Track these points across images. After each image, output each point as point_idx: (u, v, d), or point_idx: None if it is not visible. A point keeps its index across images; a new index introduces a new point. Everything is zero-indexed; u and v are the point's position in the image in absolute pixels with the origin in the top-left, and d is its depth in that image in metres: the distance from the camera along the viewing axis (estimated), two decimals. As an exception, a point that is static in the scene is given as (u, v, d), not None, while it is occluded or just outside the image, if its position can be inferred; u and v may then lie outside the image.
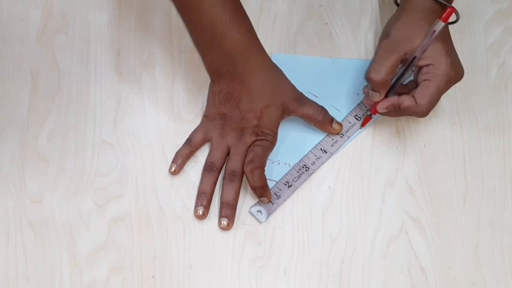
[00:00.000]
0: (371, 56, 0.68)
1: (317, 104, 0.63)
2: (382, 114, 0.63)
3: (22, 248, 0.59)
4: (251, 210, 0.60)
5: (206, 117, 0.63)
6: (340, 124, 0.63)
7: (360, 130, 0.64)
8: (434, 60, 0.59)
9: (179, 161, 0.62)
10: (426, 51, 0.59)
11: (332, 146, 0.63)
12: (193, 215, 0.60)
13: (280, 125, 0.63)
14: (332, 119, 0.63)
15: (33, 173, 0.62)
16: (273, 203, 0.60)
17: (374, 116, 0.63)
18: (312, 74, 0.66)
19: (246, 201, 0.61)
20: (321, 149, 0.63)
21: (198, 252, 0.59)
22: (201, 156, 0.63)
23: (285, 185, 0.61)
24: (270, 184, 0.61)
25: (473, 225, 0.60)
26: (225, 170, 0.61)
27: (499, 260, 0.59)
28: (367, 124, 0.64)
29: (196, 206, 0.60)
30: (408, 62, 0.59)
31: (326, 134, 0.64)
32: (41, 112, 0.64)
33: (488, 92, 0.66)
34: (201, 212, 0.60)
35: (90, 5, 0.70)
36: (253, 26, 0.65)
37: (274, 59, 0.64)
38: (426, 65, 0.59)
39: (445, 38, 0.60)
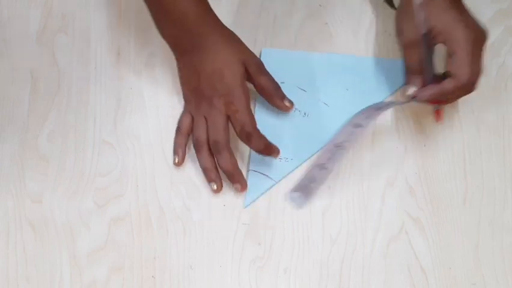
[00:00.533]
0: (371, 55, 0.68)
1: (272, 78, 0.63)
2: (434, 103, 0.62)
3: (22, 248, 0.59)
4: (291, 195, 0.61)
5: (184, 99, 0.64)
6: (291, 102, 0.63)
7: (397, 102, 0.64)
8: (447, 33, 0.58)
9: (180, 151, 0.62)
10: (437, 28, 0.58)
11: (366, 118, 0.62)
12: (193, 215, 0.60)
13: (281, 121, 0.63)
14: (284, 96, 0.63)
15: (33, 173, 0.62)
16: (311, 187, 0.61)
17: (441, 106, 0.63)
18: (301, 68, 0.66)
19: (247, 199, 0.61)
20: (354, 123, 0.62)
21: (198, 252, 0.59)
22: (201, 156, 0.63)
23: (318, 167, 0.61)
24: (270, 183, 0.61)
25: (473, 225, 0.60)
26: (209, 144, 0.61)
27: (499, 260, 0.59)
28: (441, 116, 0.63)
29: (208, 182, 0.61)
30: (425, 42, 0.59)
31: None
32: (41, 112, 0.64)
33: (488, 92, 0.66)
34: (215, 187, 0.61)
35: (90, 5, 0.70)
36: (253, 26, 0.65)
37: (264, 54, 0.65)
38: (445, 42, 0.59)
39: (451, 5, 0.59)
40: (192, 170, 0.62)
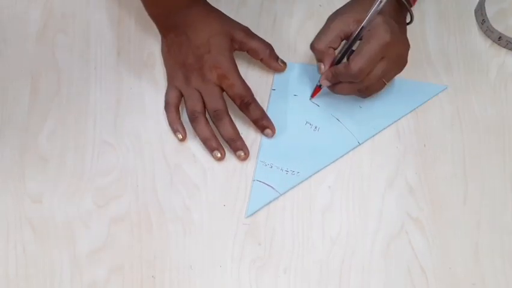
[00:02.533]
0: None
1: (264, 40, 0.65)
2: (330, 89, 0.63)
3: (22, 248, 0.59)
4: None
5: (169, 75, 0.65)
6: (284, 62, 0.66)
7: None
8: (371, 27, 0.58)
9: (178, 127, 0.63)
10: (368, 27, 0.58)
11: None
12: (193, 215, 0.60)
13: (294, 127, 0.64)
14: (277, 57, 0.65)
15: (33, 173, 0.62)
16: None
17: (323, 88, 0.64)
18: (315, 82, 0.65)
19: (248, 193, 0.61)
20: None
21: (198, 252, 0.59)
22: (200, 154, 0.63)
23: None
24: (274, 195, 0.61)
25: (473, 225, 0.60)
26: (209, 114, 0.63)
27: (499, 260, 0.59)
28: (316, 95, 0.64)
29: (211, 151, 0.62)
30: (355, 34, 0.59)
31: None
32: (41, 112, 0.64)
33: (488, 92, 0.66)
34: (218, 155, 0.62)
35: (90, 4, 0.70)
36: (253, 26, 0.65)
37: (289, 67, 0.66)
38: (364, 36, 0.59)
39: (391, 14, 0.60)
40: (192, 170, 0.62)
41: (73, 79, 0.66)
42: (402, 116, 0.65)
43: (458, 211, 0.61)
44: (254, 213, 0.60)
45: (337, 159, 0.63)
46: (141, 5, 0.64)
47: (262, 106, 0.63)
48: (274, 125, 0.63)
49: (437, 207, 0.61)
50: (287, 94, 0.66)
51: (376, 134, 0.64)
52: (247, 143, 0.63)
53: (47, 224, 0.60)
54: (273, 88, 0.66)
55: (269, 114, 0.63)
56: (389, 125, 0.64)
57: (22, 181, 0.61)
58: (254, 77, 0.66)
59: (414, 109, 0.65)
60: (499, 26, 0.68)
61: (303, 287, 0.58)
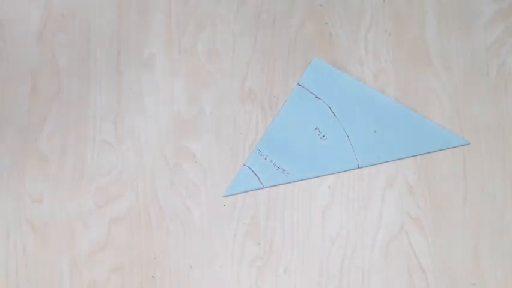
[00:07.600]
0: (371, 55, 0.68)
1: None
2: None
3: (22, 248, 0.59)
4: None
5: None
6: None
7: None
8: None
9: None
10: None
11: None
12: (193, 215, 0.60)
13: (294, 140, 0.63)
14: None
15: (33, 173, 0.62)
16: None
17: None
18: (342, 93, 0.65)
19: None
20: None
21: (198, 252, 0.59)
22: (200, 155, 0.63)
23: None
24: (257, 185, 0.61)
25: (473, 225, 0.60)
26: None
27: (498, 260, 0.59)
28: None
29: None
30: None
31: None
32: (41, 112, 0.64)
33: (488, 92, 0.66)
34: None
35: (90, 5, 0.70)
36: (253, 26, 0.65)
37: (314, 63, 0.66)
38: None
39: None
40: (192, 170, 0.62)
41: (73, 79, 0.66)
42: (412, 156, 0.63)
43: (458, 211, 0.61)
44: (232, 195, 0.61)
45: (330, 174, 0.62)
46: (141, 5, 0.64)
47: (283, 97, 0.63)
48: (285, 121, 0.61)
49: (437, 207, 0.61)
50: (310, 94, 0.65)
51: (378, 163, 0.63)
52: (247, 142, 0.63)
53: (47, 223, 0.60)
54: (300, 83, 0.66)
55: (285, 108, 0.63)
56: (394, 160, 0.63)
57: (22, 181, 0.61)
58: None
59: (426, 154, 0.63)
60: (498, 27, 0.68)
61: (303, 286, 0.58)
